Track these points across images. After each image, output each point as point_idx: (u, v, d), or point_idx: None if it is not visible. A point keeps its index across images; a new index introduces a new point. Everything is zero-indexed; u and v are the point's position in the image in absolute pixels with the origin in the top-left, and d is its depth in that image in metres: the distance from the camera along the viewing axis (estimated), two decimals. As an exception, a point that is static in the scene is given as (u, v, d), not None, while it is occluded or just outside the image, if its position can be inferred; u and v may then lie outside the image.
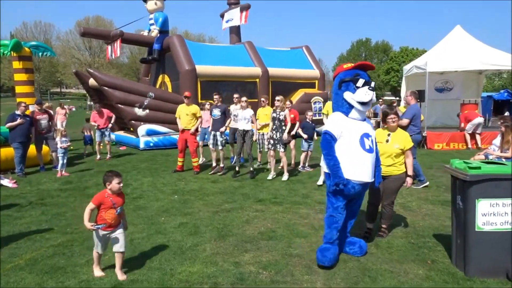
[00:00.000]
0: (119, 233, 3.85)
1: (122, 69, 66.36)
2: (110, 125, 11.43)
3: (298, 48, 18.35)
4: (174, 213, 5.96)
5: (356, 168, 3.99)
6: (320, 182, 7.94)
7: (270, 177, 8.38)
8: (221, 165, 8.89)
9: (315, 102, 16.82)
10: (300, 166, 9.46)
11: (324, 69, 59.63)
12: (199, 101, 13.90)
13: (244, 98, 9.65)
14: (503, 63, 13.15)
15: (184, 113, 8.96)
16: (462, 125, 13.55)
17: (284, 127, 8.21)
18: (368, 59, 79.36)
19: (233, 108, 9.69)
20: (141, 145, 13.00)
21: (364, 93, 4.03)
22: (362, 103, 4.06)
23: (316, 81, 17.64)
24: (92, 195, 7.21)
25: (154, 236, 4.96)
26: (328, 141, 4.03)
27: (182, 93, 13.60)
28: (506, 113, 18.09)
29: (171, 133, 13.48)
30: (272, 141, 8.21)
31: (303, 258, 4.30)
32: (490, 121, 18.54)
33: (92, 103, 46.83)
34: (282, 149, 8.19)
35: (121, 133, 14.71)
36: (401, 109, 10.00)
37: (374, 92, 4.15)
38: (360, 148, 4.00)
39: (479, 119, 13.24)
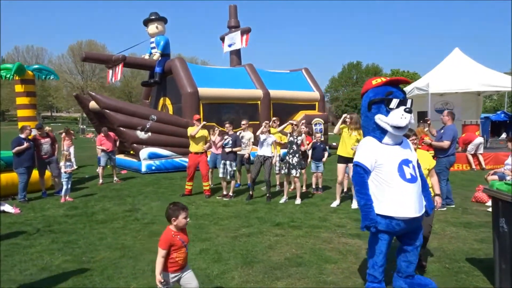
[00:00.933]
0: (190, 272, 3.42)
1: (115, 92, 66.38)
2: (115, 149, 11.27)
3: (298, 70, 18.49)
4: (192, 239, 5.71)
5: (398, 203, 3.41)
6: (333, 205, 7.84)
7: (282, 200, 8.25)
8: (230, 193, 8.78)
9: (315, 124, 16.81)
10: (313, 188, 9.37)
11: (317, 91, 60.31)
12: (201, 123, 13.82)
13: (244, 121, 9.68)
14: (502, 84, 13.35)
15: (197, 136, 8.91)
16: (460, 148, 13.57)
17: (300, 152, 8.20)
18: (359, 82, 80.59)
19: (244, 135, 9.66)
20: (143, 169, 12.78)
21: (400, 116, 3.41)
22: (398, 128, 3.45)
23: (316, 103, 17.71)
24: (100, 221, 7.09)
25: (176, 264, 4.74)
26: (360, 175, 3.48)
27: (184, 116, 13.74)
28: (504, 134, 18.20)
29: (174, 156, 13.31)
30: (287, 165, 8.14)
31: (338, 285, 4.12)
32: (488, 141, 18.69)
33: (83, 126, 46.47)
34: (298, 174, 8.12)
35: (121, 156, 14.49)
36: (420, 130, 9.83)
37: (412, 114, 3.50)
38: (399, 179, 3.44)
39: (479, 139, 13.30)
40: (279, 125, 9.81)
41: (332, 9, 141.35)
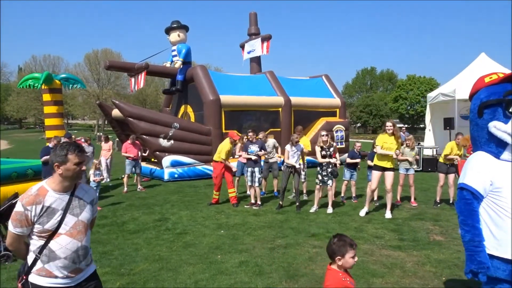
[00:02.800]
0: None
1: (129, 100, 67.07)
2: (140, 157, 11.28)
3: (318, 77, 18.36)
4: (228, 250, 5.64)
5: None
6: (362, 213, 7.71)
7: (312, 210, 8.15)
8: (258, 202, 8.69)
9: (337, 131, 16.65)
10: (341, 197, 9.25)
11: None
12: (223, 131, 13.82)
13: (261, 134, 9.68)
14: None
15: (226, 149, 8.89)
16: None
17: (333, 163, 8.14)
18: (373, 88, 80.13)
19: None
20: (166, 177, 12.76)
21: None
22: None
23: (337, 110, 17.53)
24: (132, 231, 7.04)
25: (218, 277, 4.64)
26: (467, 201, 2.67)
27: (206, 123, 13.73)
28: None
29: (196, 164, 13.27)
30: (320, 177, 8.11)
31: (390, 301, 3.96)
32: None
33: (100, 134, 47.06)
34: (333, 183, 8.07)
35: (143, 164, 14.50)
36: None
37: None
38: None
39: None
40: (303, 133, 9.77)
41: (347, 15, 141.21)
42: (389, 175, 7.52)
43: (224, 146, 8.91)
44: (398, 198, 8.97)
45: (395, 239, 6.13)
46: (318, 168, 8.16)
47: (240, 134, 11.59)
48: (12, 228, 2.51)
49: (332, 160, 8.02)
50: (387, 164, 7.47)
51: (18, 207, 2.48)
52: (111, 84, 67.98)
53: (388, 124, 7.58)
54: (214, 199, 9.05)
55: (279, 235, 6.41)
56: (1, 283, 4.44)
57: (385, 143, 7.50)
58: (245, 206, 8.68)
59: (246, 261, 5.15)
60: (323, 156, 8.07)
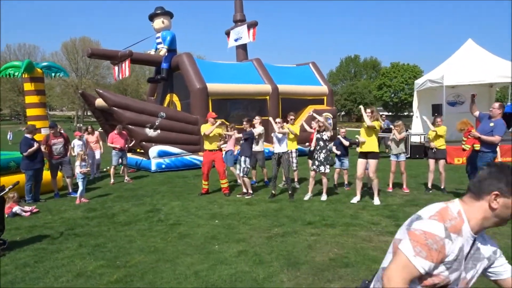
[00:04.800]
0: None
1: (109, 90, 66.01)
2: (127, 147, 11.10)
3: (305, 64, 18.35)
4: (225, 240, 5.60)
5: None
6: (354, 200, 7.79)
7: (306, 197, 8.19)
8: (250, 191, 8.68)
9: (325, 119, 16.71)
10: (333, 184, 9.32)
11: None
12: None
13: (257, 119, 9.66)
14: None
15: (211, 134, 8.76)
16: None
17: (328, 148, 8.13)
18: (357, 76, 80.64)
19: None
20: (153, 167, 12.62)
21: None
22: None
23: (325, 97, 17.59)
24: (124, 222, 6.92)
25: (218, 267, 4.59)
26: None
27: (193, 112, 13.58)
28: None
29: (184, 154, 13.16)
30: (316, 163, 8.08)
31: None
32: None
33: (80, 125, 46.22)
34: (326, 170, 8.06)
35: (129, 155, 14.29)
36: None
37: None
38: None
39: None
40: (294, 119, 9.73)
41: (330, 2, 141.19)
42: (372, 163, 7.60)
43: (201, 129, 8.85)
44: (390, 185, 9.06)
45: (391, 225, 6.18)
46: (315, 155, 8.14)
47: (228, 123, 11.51)
48: (413, 255, 1.70)
49: (325, 136, 8.01)
50: (368, 148, 7.52)
51: (436, 227, 1.72)
52: (90, 73, 66.69)
53: (368, 110, 7.65)
54: (204, 189, 8.98)
55: (275, 223, 6.40)
56: (1, 283, 4.32)
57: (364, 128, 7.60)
58: (237, 196, 8.65)
59: (244, 251, 5.12)
60: (316, 140, 8.09)
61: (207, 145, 8.83)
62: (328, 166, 8.10)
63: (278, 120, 8.65)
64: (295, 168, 9.52)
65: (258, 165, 10.01)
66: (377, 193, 7.78)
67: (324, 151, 8.03)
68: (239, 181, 9.04)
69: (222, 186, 8.92)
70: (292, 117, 9.67)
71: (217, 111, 13.88)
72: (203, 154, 8.96)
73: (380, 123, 7.66)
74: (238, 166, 8.77)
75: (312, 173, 8.23)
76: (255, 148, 9.74)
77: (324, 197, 8.11)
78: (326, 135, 8.03)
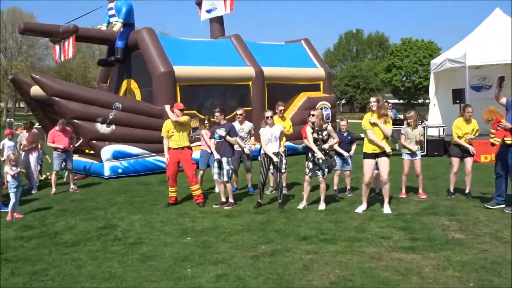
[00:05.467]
0: None
1: (48, 75, 65.09)
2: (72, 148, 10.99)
3: (296, 41, 18.46)
4: (200, 262, 5.58)
5: None
6: (359, 210, 7.86)
7: (301, 206, 8.26)
8: (231, 200, 8.68)
9: (321, 109, 16.78)
10: (334, 191, 9.39)
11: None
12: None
13: (240, 111, 9.69)
14: None
15: (177, 131, 8.79)
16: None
17: (326, 149, 8.19)
18: (361, 55, 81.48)
19: (238, 128, 9.64)
20: (106, 172, 12.51)
21: None
22: None
23: (321, 82, 17.75)
24: (70, 243, 6.82)
25: (191, 297, 4.56)
26: None
27: (156, 102, 13.50)
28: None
29: (146, 155, 13.09)
30: (310, 165, 8.15)
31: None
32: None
33: (11, 120, 45.48)
34: (322, 175, 8.12)
35: (75, 157, 14.10)
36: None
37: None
38: None
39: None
40: (283, 111, 9.76)
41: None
42: (384, 163, 7.68)
43: (163, 124, 8.84)
44: (403, 189, 9.16)
45: (405, 239, 6.25)
46: (310, 155, 8.19)
47: (202, 116, 11.47)
48: None
49: (324, 146, 8.06)
50: (379, 148, 7.60)
51: None
52: (23, 54, 65.52)
53: (372, 99, 7.72)
54: (171, 197, 8.96)
55: (261, 240, 6.41)
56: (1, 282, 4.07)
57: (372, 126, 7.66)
58: (214, 206, 8.64)
59: (225, 275, 5.10)
60: (315, 140, 8.10)
61: (172, 142, 8.80)
62: (326, 171, 8.14)
63: (268, 114, 8.59)
64: (283, 170, 9.54)
65: (244, 167, 10.01)
66: (387, 200, 7.85)
67: (323, 153, 8.08)
68: (217, 188, 9.02)
69: (194, 194, 8.89)
70: (281, 107, 9.68)
71: (187, 101, 13.85)
72: (168, 153, 8.93)
73: (390, 119, 7.71)
74: (216, 170, 8.74)
75: (307, 178, 8.27)
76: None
77: (322, 205, 8.16)
78: (325, 134, 8.08)
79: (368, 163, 7.81)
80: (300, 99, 16.70)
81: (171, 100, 13.50)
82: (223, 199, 8.74)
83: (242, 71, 15.48)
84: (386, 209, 7.77)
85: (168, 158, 8.84)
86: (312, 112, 8.21)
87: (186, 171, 8.83)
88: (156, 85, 13.63)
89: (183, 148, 8.83)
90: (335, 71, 76.98)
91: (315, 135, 8.11)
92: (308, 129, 8.19)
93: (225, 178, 8.58)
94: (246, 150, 9.66)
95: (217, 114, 8.86)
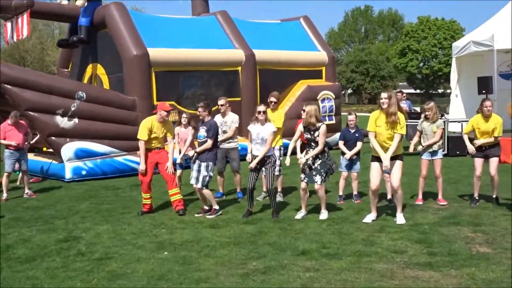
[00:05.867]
0: None
1: (-1, 58, 64.86)
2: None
3: (294, 20, 18.48)
4: (179, 281, 5.59)
5: None
6: (367, 219, 7.91)
7: (299, 216, 8.30)
8: (215, 207, 8.72)
9: (323, 99, 16.87)
10: (339, 196, 9.46)
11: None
12: (154, 102, 13.63)
13: (221, 101, 9.79)
14: None
15: (160, 134, 8.88)
16: None
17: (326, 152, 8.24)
18: (370, 37, 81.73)
19: (220, 121, 9.73)
20: (68, 175, 12.52)
21: None
22: None
23: (323, 68, 17.81)
24: (24, 258, 6.79)
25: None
26: None
27: (128, 91, 13.48)
28: None
29: (115, 154, 13.09)
30: (307, 170, 8.17)
31: None
32: None
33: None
34: (320, 181, 8.13)
35: (30, 156, 14.03)
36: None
37: None
38: None
39: None
40: (276, 103, 9.74)
41: None
42: (395, 167, 7.71)
43: (142, 124, 8.84)
44: (420, 195, 9.23)
45: (422, 253, 6.28)
46: (302, 155, 8.24)
47: (184, 109, 11.48)
48: None
49: (308, 155, 8.12)
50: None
51: None
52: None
53: (383, 95, 7.65)
54: (145, 205, 9.00)
55: (252, 254, 6.43)
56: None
57: (378, 127, 7.67)
58: (196, 215, 8.68)
59: (208, 296, 5.12)
60: (308, 140, 8.18)
61: (149, 142, 8.85)
62: (325, 176, 8.14)
63: (261, 108, 8.57)
64: (278, 173, 9.56)
65: (230, 168, 10.06)
66: (401, 209, 7.89)
67: (319, 155, 8.11)
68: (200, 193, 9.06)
69: (173, 200, 8.91)
70: (273, 99, 9.67)
71: (165, 90, 13.94)
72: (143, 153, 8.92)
73: (396, 117, 7.63)
74: (193, 174, 8.78)
75: (303, 185, 8.29)
76: (226, 144, 9.77)
77: (324, 215, 8.21)
78: (317, 133, 8.06)
79: (375, 167, 7.84)
80: (299, 88, 16.74)
81: (145, 89, 13.56)
82: (206, 207, 8.77)
83: (230, 54, 15.48)
84: (400, 219, 7.81)
85: (143, 165, 8.84)
86: (304, 107, 8.29)
87: (164, 175, 8.88)
88: (127, 70, 13.63)
89: (160, 148, 8.92)
90: (340, 55, 77.25)
91: (307, 134, 8.15)
92: (300, 127, 8.28)
93: (199, 185, 8.59)
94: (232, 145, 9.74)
95: (200, 110, 8.87)
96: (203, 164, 8.60)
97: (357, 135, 9.42)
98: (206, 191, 8.64)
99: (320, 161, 8.13)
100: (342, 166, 9.44)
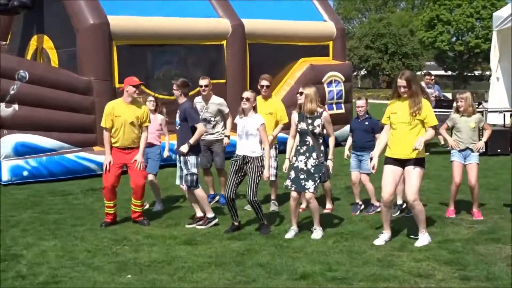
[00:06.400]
0: None
1: None
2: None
3: (293, -19, 18.47)
4: (146, 312, 5.59)
5: None
6: (380, 240, 7.79)
7: (290, 235, 8.22)
8: (208, 215, 8.80)
9: (330, 83, 16.86)
10: (356, 204, 9.60)
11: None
12: (116, 85, 13.59)
13: (204, 81, 9.93)
14: None
15: (128, 119, 8.81)
16: None
17: (322, 146, 8.19)
18: (390, 3, 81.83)
19: (201, 106, 9.89)
20: (5, 176, 12.54)
21: None
22: None
23: (330, 43, 17.80)
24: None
25: None
26: None
27: (82, 70, 13.43)
28: None
29: (64, 151, 13.10)
30: (299, 174, 8.12)
31: None
32: None
33: None
34: (313, 188, 8.09)
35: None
36: None
37: None
38: None
39: None
40: (268, 88, 9.72)
41: None
42: (413, 176, 7.52)
43: (105, 107, 8.92)
44: (452, 205, 9.25)
45: (453, 277, 6.29)
46: (291, 154, 8.30)
47: (152, 93, 11.45)
48: None
49: (317, 129, 8.06)
50: (404, 152, 7.54)
51: None
52: None
53: (400, 81, 7.49)
54: (109, 215, 9.03)
55: (239, 279, 6.43)
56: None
57: (393, 113, 7.58)
58: (187, 226, 8.79)
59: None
60: (301, 134, 8.18)
61: (116, 138, 8.88)
62: (318, 182, 8.11)
63: (247, 94, 8.49)
64: (274, 178, 9.55)
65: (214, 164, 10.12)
66: (424, 225, 7.72)
67: (314, 154, 8.04)
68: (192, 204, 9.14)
69: (134, 210, 8.99)
70: (265, 82, 9.62)
71: (129, 68, 13.81)
72: (112, 152, 8.97)
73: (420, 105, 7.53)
74: (178, 173, 8.91)
75: (293, 193, 8.20)
76: (209, 135, 9.80)
77: (317, 233, 8.10)
78: (318, 123, 8.02)
79: (390, 171, 7.68)
80: (299, 68, 16.79)
81: (104, 67, 13.50)
82: (198, 213, 8.92)
83: (212, 24, 15.51)
84: (422, 239, 7.65)
85: (108, 161, 8.87)
86: (300, 89, 8.18)
87: (134, 180, 8.90)
88: (82, 44, 13.62)
89: (132, 149, 8.91)
90: (352, 27, 77.34)
91: (303, 124, 8.09)
92: (294, 117, 8.23)
93: (185, 185, 8.72)
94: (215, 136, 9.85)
95: (175, 87, 8.89)
96: (182, 160, 8.67)
97: (367, 123, 9.42)
98: (198, 192, 8.71)
99: (316, 161, 8.04)
100: (352, 165, 9.47)
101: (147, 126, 9.09)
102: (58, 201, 10.83)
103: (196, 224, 8.72)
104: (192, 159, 8.65)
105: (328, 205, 9.65)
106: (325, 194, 9.78)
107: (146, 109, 9.16)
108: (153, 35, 14.55)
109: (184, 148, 8.60)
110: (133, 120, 8.82)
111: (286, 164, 8.44)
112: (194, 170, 8.71)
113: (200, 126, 8.70)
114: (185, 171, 8.66)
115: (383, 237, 7.86)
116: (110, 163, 8.80)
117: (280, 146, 10.02)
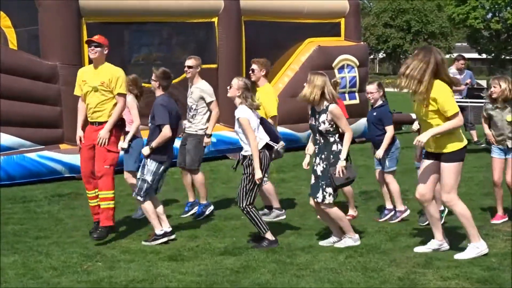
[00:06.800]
0: None
1: None
2: None
3: None
4: None
5: None
6: (428, 247, 7.87)
7: (324, 242, 8.39)
8: (156, 231, 8.74)
9: (342, 68, 16.87)
10: (384, 210, 9.77)
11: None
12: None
13: (189, 62, 10.09)
14: None
15: (92, 84, 8.78)
16: None
17: (334, 146, 8.15)
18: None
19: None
20: None
21: None
22: None
23: (342, 20, 17.78)
24: None
25: None
26: None
27: (46, 53, 13.46)
28: None
29: (25, 150, 13.17)
30: (313, 179, 8.27)
31: None
32: None
33: None
34: (321, 198, 8.13)
35: None
36: None
37: None
38: None
39: None
40: (254, 73, 9.74)
41: None
42: (446, 172, 7.54)
43: (79, 78, 9.01)
44: (500, 210, 9.33)
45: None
46: (316, 158, 8.27)
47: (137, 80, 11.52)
48: None
49: (326, 125, 8.08)
50: (439, 144, 7.57)
51: None
52: None
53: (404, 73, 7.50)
54: (96, 213, 9.06)
55: (234, 304, 6.47)
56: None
57: (414, 104, 7.67)
58: (144, 243, 8.69)
59: None
60: (312, 130, 8.31)
61: (88, 111, 8.89)
62: (331, 190, 8.12)
63: (233, 81, 8.53)
64: (265, 181, 9.52)
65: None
66: (469, 232, 7.71)
67: (323, 155, 8.12)
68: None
69: (103, 206, 8.82)
70: (254, 66, 9.65)
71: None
72: (84, 133, 8.96)
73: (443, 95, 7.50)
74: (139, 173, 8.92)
75: (310, 201, 8.41)
76: (186, 128, 9.93)
77: (344, 242, 8.23)
78: (323, 118, 8.02)
79: (423, 167, 7.84)
80: (306, 51, 16.80)
81: (72, 50, 13.51)
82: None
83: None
84: (468, 251, 7.67)
85: (78, 137, 8.92)
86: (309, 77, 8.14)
87: (97, 163, 8.75)
88: (45, 22, 13.64)
89: (101, 123, 8.76)
90: (368, 1, 77.29)
91: (312, 120, 8.17)
92: (309, 110, 8.33)
93: (134, 195, 8.80)
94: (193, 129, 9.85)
95: (154, 77, 8.95)
96: (142, 163, 8.78)
97: (375, 113, 9.48)
98: (144, 206, 8.70)
99: (324, 164, 8.10)
100: (375, 162, 9.69)
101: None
102: (18, 209, 10.86)
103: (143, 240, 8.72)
104: (151, 165, 8.64)
105: (350, 211, 9.76)
106: (346, 199, 9.86)
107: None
108: (130, 11, 14.50)
109: (145, 151, 8.65)
110: (96, 85, 8.68)
111: (306, 160, 8.52)
112: (149, 178, 8.64)
113: (165, 129, 8.61)
114: (138, 174, 8.72)
115: (433, 243, 7.93)
116: (80, 140, 8.84)
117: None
